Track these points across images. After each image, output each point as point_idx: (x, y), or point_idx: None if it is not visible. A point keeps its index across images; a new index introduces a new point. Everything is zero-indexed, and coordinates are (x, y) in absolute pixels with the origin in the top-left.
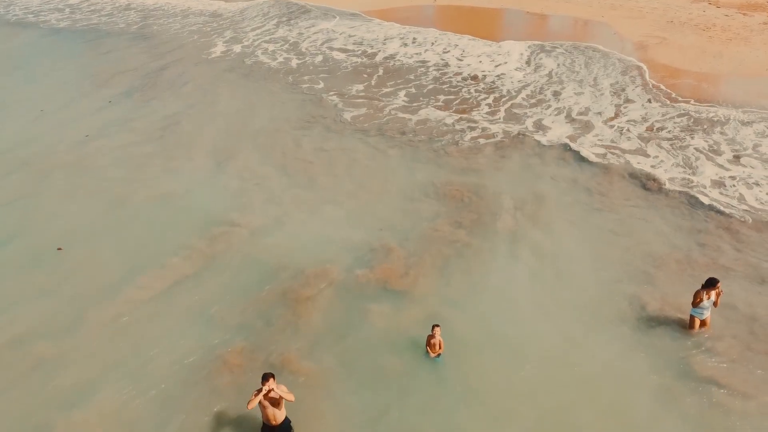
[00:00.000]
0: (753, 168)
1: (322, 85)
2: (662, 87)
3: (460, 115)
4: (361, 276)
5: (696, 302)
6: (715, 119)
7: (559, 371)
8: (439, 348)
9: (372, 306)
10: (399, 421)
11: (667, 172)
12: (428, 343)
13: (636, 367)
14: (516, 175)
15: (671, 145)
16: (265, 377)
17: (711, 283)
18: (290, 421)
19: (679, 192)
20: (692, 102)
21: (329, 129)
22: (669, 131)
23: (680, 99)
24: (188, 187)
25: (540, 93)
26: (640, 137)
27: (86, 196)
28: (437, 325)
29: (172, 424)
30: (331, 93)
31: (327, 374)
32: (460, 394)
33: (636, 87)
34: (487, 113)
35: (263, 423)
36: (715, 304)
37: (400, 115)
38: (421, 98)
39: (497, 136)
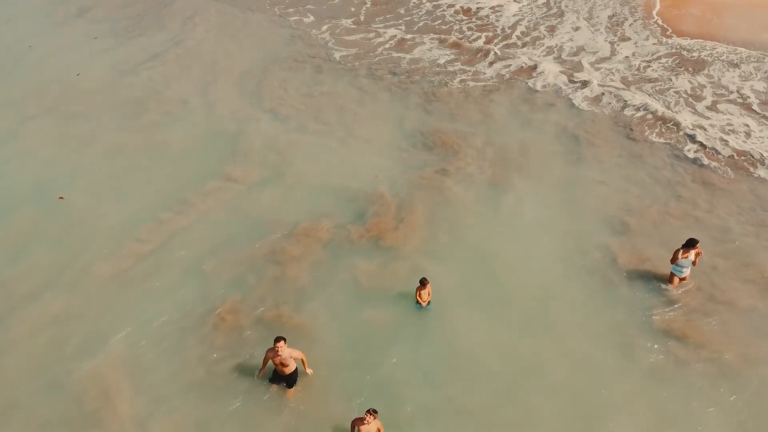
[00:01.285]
0: (732, 114)
1: (311, 18)
2: (660, 22)
3: (451, 56)
4: (354, 231)
5: (673, 260)
6: (707, 60)
7: (536, 319)
8: (428, 296)
9: (363, 260)
10: (389, 367)
11: (653, 119)
12: (418, 294)
13: (609, 319)
14: (504, 122)
15: (656, 88)
16: (277, 340)
17: (690, 244)
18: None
19: (662, 143)
20: (689, 39)
21: (319, 70)
22: (659, 74)
23: (677, 36)
24: (181, 135)
25: (534, 29)
26: (633, 81)
27: (82, 143)
28: (427, 280)
29: (179, 373)
30: (320, 29)
31: (319, 327)
32: (445, 341)
33: (635, 21)
34: (479, 54)
35: (274, 370)
36: (693, 263)
37: (393, 54)
38: (412, 35)
39: (489, 80)
